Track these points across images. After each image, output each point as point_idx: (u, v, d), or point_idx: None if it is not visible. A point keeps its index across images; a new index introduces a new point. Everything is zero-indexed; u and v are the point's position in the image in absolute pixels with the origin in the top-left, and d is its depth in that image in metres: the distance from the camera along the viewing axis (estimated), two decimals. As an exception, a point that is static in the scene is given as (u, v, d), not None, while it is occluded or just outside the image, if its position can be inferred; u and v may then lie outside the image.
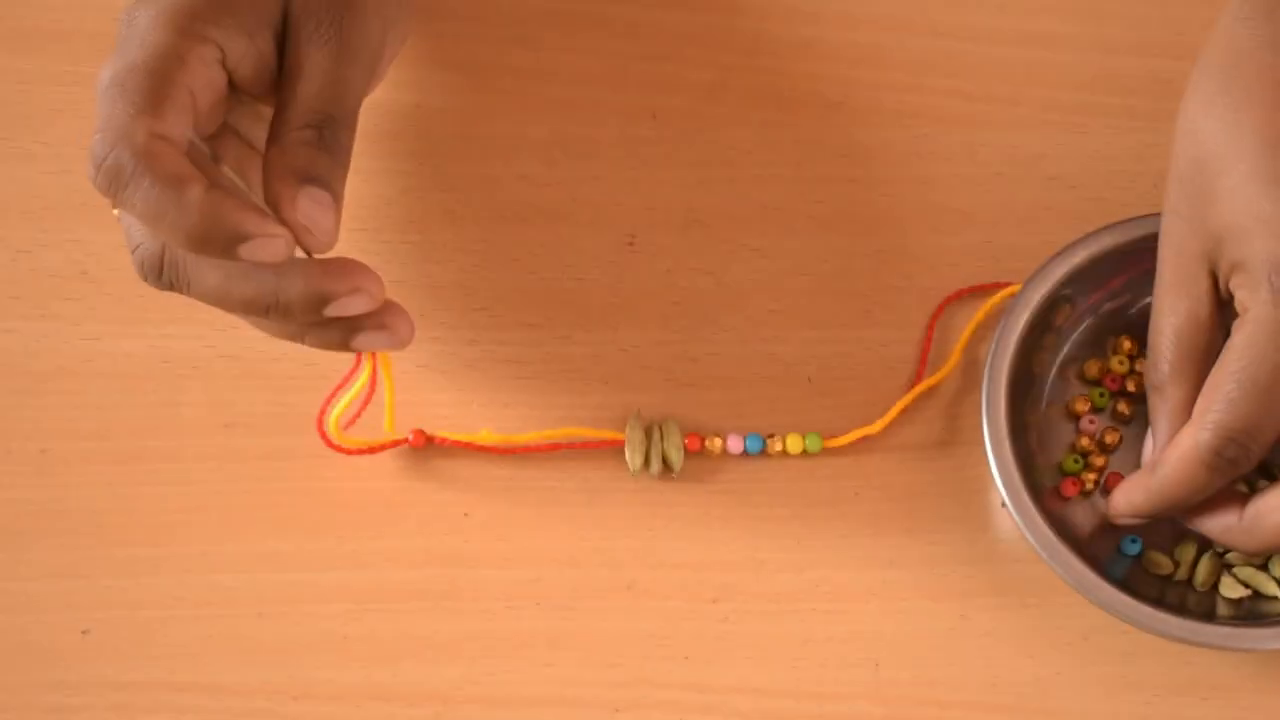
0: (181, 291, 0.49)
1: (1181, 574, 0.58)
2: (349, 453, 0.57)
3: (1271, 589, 0.57)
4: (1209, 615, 0.56)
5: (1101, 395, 0.60)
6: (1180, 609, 0.55)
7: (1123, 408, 0.60)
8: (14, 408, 0.58)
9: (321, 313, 0.49)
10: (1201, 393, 0.53)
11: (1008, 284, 0.61)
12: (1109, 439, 0.59)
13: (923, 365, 0.61)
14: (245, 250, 0.46)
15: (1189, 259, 0.53)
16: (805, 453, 0.59)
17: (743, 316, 0.61)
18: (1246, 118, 0.52)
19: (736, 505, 0.59)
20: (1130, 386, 0.60)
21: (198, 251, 0.47)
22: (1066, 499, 0.58)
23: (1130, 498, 0.55)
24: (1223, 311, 0.54)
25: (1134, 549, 0.58)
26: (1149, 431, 0.56)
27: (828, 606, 0.58)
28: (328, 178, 0.48)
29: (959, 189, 0.62)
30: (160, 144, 0.46)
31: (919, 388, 0.60)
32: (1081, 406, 0.60)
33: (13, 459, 0.58)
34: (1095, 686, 0.57)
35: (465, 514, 0.58)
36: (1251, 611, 0.57)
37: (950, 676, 0.57)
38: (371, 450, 0.57)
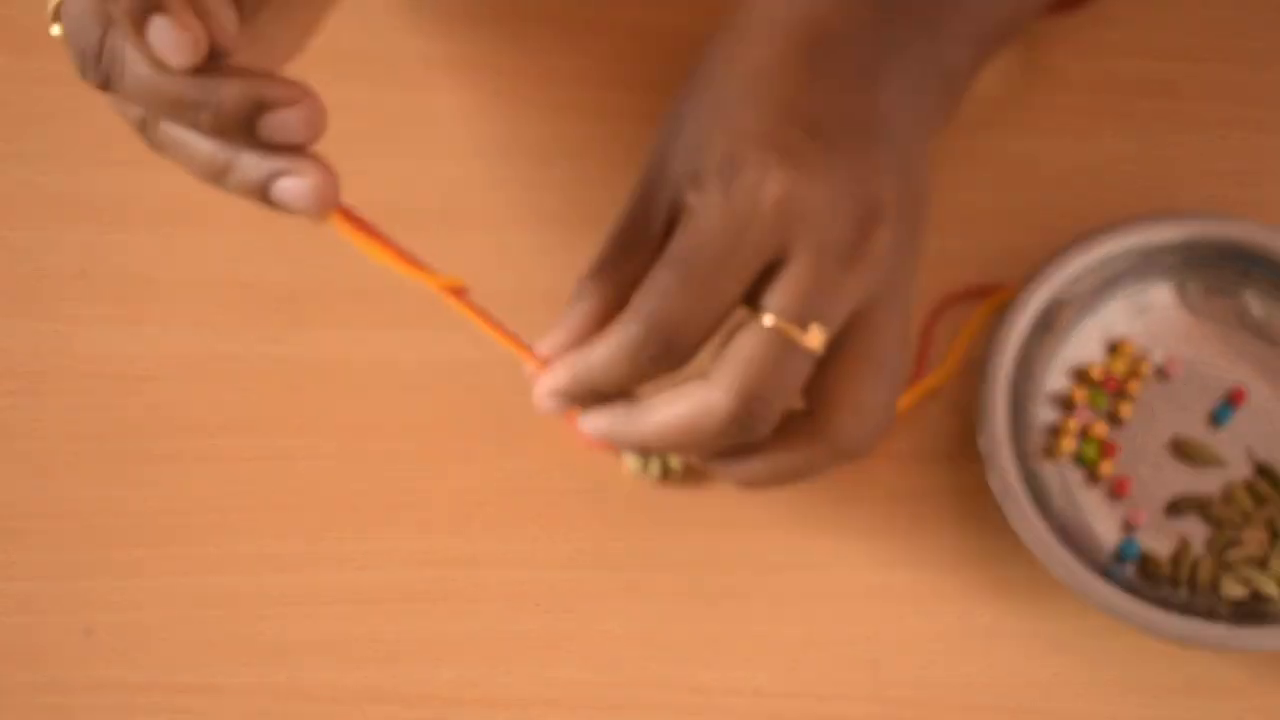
0: (115, 85, 0.46)
1: (1183, 572, 0.58)
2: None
3: (1271, 589, 0.57)
4: (1210, 616, 0.56)
5: (1100, 397, 0.60)
6: (1180, 610, 0.55)
7: (1124, 411, 0.60)
8: (13, 408, 0.58)
9: (255, 129, 0.45)
10: (640, 287, 0.50)
11: (1007, 286, 0.61)
12: (1095, 433, 0.59)
13: (921, 367, 0.61)
14: (155, 27, 0.43)
15: (650, 187, 0.52)
16: (805, 454, 0.59)
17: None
18: (737, 52, 0.51)
19: (736, 507, 0.59)
20: (1133, 388, 0.60)
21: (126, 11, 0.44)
22: (1121, 497, 0.59)
23: (555, 376, 0.52)
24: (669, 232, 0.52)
25: (1133, 551, 0.58)
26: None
27: (827, 607, 0.58)
28: None
29: (958, 191, 0.62)
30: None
31: (918, 390, 0.60)
32: (1079, 396, 0.60)
33: (12, 460, 0.58)
34: (1095, 688, 0.57)
35: (465, 515, 0.58)
36: (1252, 612, 0.57)
37: (950, 678, 0.57)
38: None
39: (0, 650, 0.55)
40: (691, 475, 0.59)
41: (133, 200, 0.61)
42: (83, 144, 0.61)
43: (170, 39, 0.43)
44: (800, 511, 0.59)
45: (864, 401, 0.51)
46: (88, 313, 0.59)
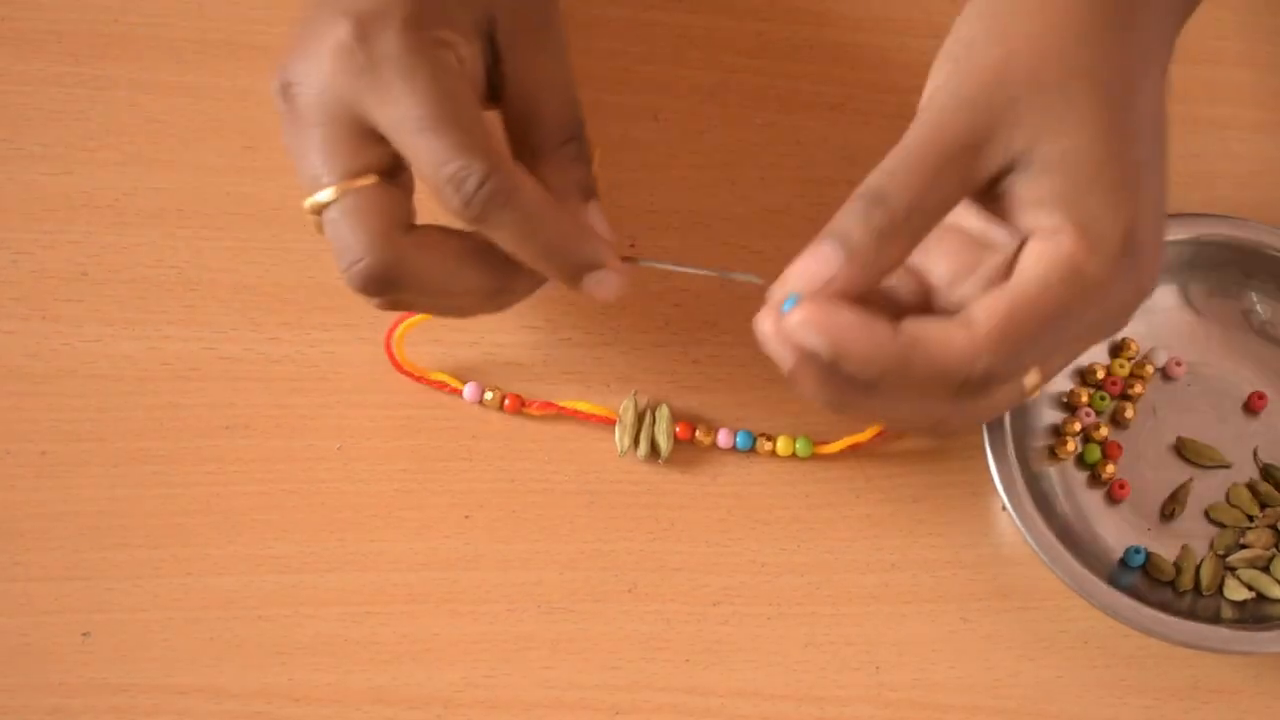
0: (404, 291, 0.49)
1: (1185, 579, 0.58)
2: (408, 374, 0.58)
3: (1275, 591, 0.57)
4: (1214, 619, 0.56)
5: (1103, 399, 0.60)
6: (1184, 612, 0.55)
7: (1127, 413, 0.60)
8: (14, 409, 0.58)
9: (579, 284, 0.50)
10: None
11: (1009, 286, 0.61)
12: (1098, 435, 0.59)
13: (924, 367, 0.60)
14: (590, 279, 0.49)
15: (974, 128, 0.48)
16: (795, 455, 0.58)
17: (744, 319, 0.60)
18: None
19: (737, 508, 0.58)
20: (1136, 389, 0.60)
21: (547, 269, 0.49)
22: (1118, 500, 0.59)
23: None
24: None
25: (1139, 560, 0.58)
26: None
27: (828, 609, 0.58)
28: (594, 187, 0.51)
29: (960, 191, 0.62)
30: (523, 170, 0.48)
31: (920, 390, 0.60)
32: (1082, 397, 0.60)
33: (13, 460, 0.58)
34: (1096, 690, 0.57)
35: (466, 516, 0.58)
36: (1255, 614, 0.57)
37: (951, 680, 0.57)
38: (424, 380, 0.59)
39: (0, 652, 0.55)
40: (691, 477, 0.59)
41: (133, 200, 0.60)
42: (83, 144, 0.61)
43: (602, 285, 0.50)
44: (800, 513, 0.59)
45: None
46: (88, 313, 0.59)
